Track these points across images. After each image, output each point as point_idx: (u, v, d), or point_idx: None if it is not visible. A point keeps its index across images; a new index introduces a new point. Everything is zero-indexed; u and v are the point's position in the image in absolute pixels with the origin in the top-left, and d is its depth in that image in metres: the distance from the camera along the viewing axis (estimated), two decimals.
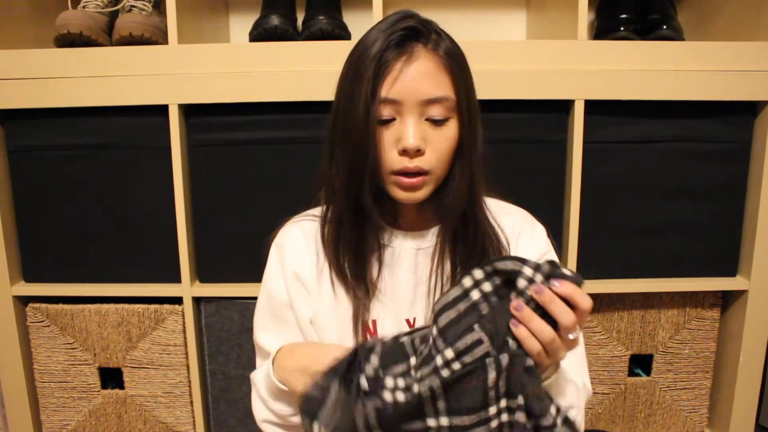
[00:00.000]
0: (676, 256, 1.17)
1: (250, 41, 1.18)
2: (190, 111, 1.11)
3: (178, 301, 1.16)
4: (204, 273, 1.18)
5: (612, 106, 1.09)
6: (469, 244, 0.72)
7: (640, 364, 1.26)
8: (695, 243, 1.17)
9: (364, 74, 0.65)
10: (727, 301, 1.21)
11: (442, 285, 0.73)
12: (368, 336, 0.73)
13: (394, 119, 0.67)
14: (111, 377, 1.21)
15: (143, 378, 1.19)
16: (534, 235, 0.78)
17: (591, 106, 1.09)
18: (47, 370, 1.20)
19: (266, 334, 0.76)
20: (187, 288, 1.14)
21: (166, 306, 1.16)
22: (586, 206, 1.12)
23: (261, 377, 0.73)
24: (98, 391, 1.20)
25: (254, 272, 1.12)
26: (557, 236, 1.13)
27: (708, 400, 1.24)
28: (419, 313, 0.74)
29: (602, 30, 1.22)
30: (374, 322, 0.73)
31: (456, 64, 0.68)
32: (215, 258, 1.17)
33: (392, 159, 0.67)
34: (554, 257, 0.77)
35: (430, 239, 0.75)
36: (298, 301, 0.75)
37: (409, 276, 0.74)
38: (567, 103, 1.11)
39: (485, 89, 1.06)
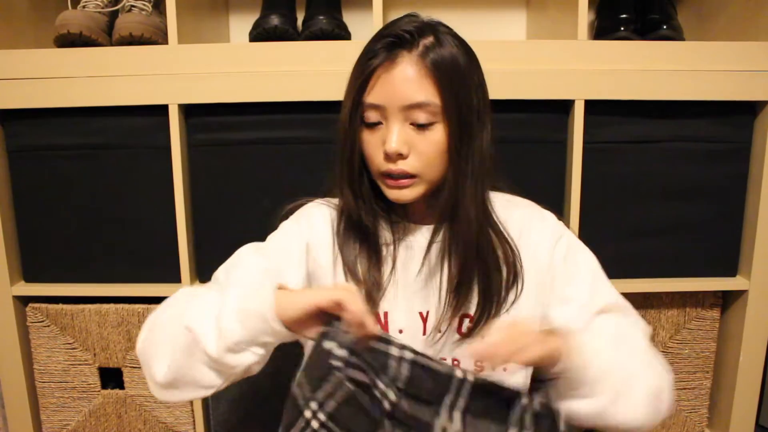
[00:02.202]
0: (676, 256, 1.17)
1: (250, 41, 1.18)
2: (190, 111, 1.11)
3: None
4: (204, 273, 1.17)
5: (612, 106, 1.09)
6: (461, 244, 0.72)
7: None
8: (695, 243, 1.17)
9: (354, 80, 0.69)
10: (727, 301, 1.21)
11: (451, 279, 0.73)
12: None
13: (380, 123, 0.69)
14: (111, 377, 1.21)
15: (143, 378, 1.18)
16: (544, 222, 0.79)
17: (591, 106, 1.09)
18: (47, 370, 1.20)
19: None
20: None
21: None
22: (586, 206, 1.12)
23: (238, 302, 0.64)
24: (98, 391, 1.20)
25: None
26: None
27: (708, 400, 1.24)
28: (432, 307, 0.74)
29: (602, 30, 1.22)
30: (386, 314, 0.74)
31: (445, 69, 0.67)
32: (215, 258, 1.16)
33: (379, 161, 0.70)
34: (571, 236, 0.80)
35: (441, 232, 0.76)
36: (302, 269, 0.75)
37: (422, 269, 0.75)
38: (567, 103, 1.11)
39: None
